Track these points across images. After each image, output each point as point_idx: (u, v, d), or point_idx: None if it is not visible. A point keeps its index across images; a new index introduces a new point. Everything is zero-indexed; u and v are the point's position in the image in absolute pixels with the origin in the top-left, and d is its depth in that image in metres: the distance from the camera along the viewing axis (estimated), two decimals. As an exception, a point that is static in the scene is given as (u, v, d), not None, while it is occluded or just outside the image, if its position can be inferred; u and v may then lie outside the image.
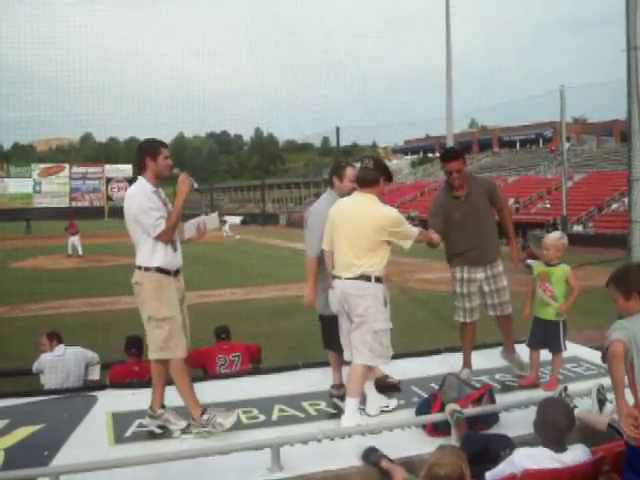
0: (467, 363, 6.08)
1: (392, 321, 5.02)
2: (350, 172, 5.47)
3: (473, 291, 5.96)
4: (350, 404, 4.88)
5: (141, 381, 6.35)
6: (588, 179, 45.43)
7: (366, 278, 4.85)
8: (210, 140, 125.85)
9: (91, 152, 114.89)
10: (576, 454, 3.42)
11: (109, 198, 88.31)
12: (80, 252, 29.63)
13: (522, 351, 6.06)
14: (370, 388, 5.22)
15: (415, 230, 5.06)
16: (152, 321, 4.64)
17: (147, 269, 4.63)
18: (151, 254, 4.64)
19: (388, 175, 5.13)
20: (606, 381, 5.17)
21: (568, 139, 46.14)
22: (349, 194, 5.28)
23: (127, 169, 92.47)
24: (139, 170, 4.84)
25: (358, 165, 5.26)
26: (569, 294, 5.60)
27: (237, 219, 59.94)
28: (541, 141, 65.62)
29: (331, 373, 5.69)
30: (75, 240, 29.87)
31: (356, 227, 4.87)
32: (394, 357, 5.29)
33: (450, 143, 26.68)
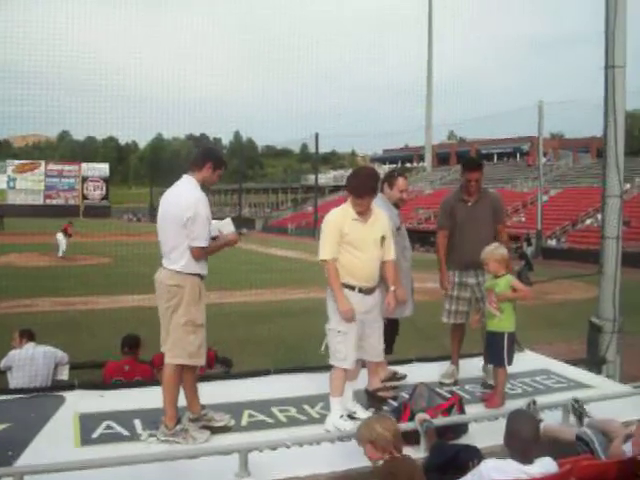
0: (453, 361, 6.38)
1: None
2: (402, 182, 6.04)
3: (463, 296, 6.17)
4: (331, 403, 5.03)
5: (128, 381, 6.40)
6: (563, 194, 45.93)
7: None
8: (189, 142, 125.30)
9: (68, 150, 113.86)
10: (543, 466, 3.44)
11: (85, 197, 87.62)
12: (60, 253, 29.21)
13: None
14: (349, 389, 5.22)
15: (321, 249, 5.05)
16: (189, 326, 4.59)
17: (191, 274, 4.60)
18: (196, 260, 4.61)
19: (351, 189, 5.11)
20: (578, 394, 5.26)
21: (545, 154, 46.63)
22: (398, 203, 6.00)
23: (104, 168, 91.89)
24: (191, 168, 4.76)
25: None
26: (514, 304, 5.56)
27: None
28: (518, 155, 66.21)
29: (303, 379, 5.69)
30: (64, 240, 29.44)
31: None
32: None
33: (428, 153, 26.82)
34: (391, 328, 5.79)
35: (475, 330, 6.15)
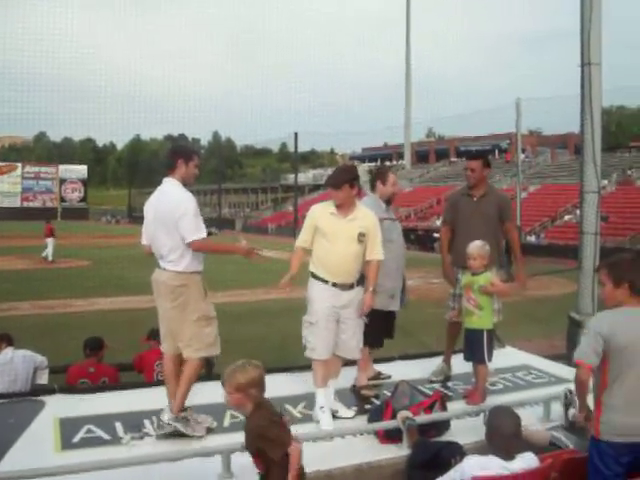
0: (445, 359, 6.37)
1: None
2: (392, 177, 6.11)
3: (462, 294, 6.07)
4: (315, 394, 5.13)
5: (93, 383, 6.37)
6: (542, 190, 46.33)
7: (311, 273, 5.24)
8: (167, 143, 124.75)
9: (45, 152, 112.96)
10: (524, 462, 3.46)
11: (62, 199, 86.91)
12: (50, 257, 28.85)
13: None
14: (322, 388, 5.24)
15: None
16: (203, 320, 4.74)
17: (193, 273, 4.71)
18: (195, 258, 4.71)
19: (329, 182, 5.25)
20: (559, 389, 5.28)
21: (523, 151, 46.95)
22: (391, 198, 6.06)
23: (82, 170, 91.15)
24: (167, 171, 4.85)
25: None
26: (493, 301, 5.59)
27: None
28: (497, 152, 66.62)
29: (285, 379, 5.78)
30: (51, 242, 29.10)
31: None
32: (348, 364, 5.30)
33: (407, 151, 26.93)
34: (380, 321, 5.74)
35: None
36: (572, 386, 5.43)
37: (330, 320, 5.10)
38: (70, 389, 5.97)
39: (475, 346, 5.52)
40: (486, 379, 5.68)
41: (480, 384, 5.57)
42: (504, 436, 3.52)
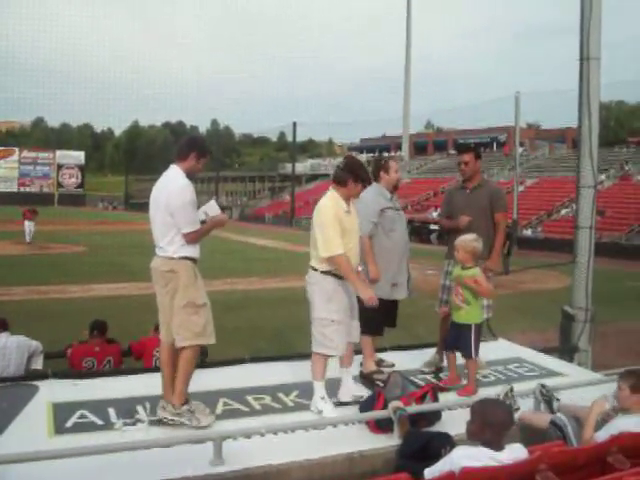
0: (438, 350, 6.38)
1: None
2: (394, 164, 6.17)
3: (452, 286, 6.10)
4: (314, 385, 5.12)
5: (98, 362, 6.53)
6: (539, 184, 46.33)
7: (313, 268, 5.13)
8: (165, 130, 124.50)
9: (42, 137, 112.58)
10: (513, 453, 3.48)
11: (59, 185, 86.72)
12: (28, 239, 28.93)
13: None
14: (347, 375, 5.37)
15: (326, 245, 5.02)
16: (190, 307, 4.67)
17: (183, 258, 4.69)
18: (186, 245, 4.70)
19: (357, 177, 5.17)
20: (550, 382, 5.33)
21: (521, 144, 46.92)
22: (396, 185, 6.14)
23: (79, 155, 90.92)
24: (176, 158, 4.83)
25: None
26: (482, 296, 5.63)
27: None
28: (495, 145, 66.57)
29: (278, 367, 5.77)
30: (30, 225, 29.15)
31: (313, 222, 5.19)
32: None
33: (406, 143, 26.98)
34: (382, 309, 5.76)
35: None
36: (552, 380, 5.54)
37: (348, 314, 5.16)
38: (64, 373, 5.98)
39: (462, 341, 5.56)
40: (477, 371, 5.72)
41: (471, 377, 5.61)
42: (497, 427, 3.54)
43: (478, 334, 5.57)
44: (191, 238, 4.68)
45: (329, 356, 5.12)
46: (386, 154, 73.78)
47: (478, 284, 5.49)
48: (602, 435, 4.04)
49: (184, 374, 4.73)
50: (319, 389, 5.07)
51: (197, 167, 4.89)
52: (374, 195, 5.97)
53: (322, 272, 5.07)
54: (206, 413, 4.75)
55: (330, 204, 5.11)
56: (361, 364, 6.02)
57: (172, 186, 4.69)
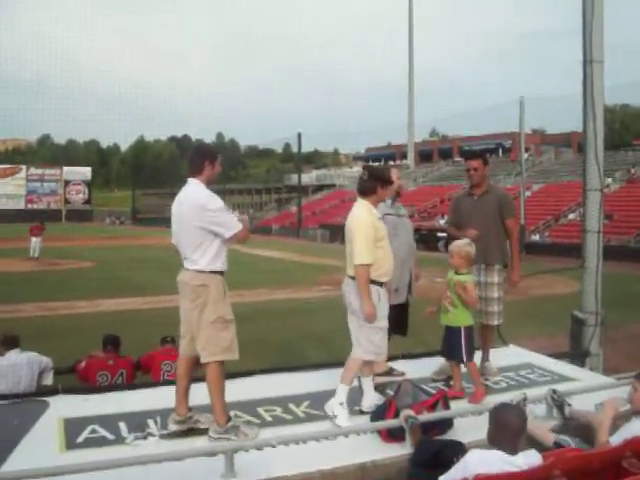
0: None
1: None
2: (394, 172, 6.05)
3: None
4: (338, 388, 5.09)
5: (112, 375, 6.58)
6: (546, 189, 46.24)
7: (353, 278, 5.12)
8: (171, 144, 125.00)
9: (49, 154, 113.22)
10: (528, 458, 3.46)
11: (67, 201, 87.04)
12: (36, 254, 29.05)
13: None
14: (368, 384, 5.38)
15: (361, 253, 5.05)
16: (220, 323, 4.68)
17: (213, 272, 4.68)
18: (217, 258, 4.70)
19: (383, 181, 5.32)
20: (562, 387, 5.30)
21: (527, 150, 46.88)
22: (398, 193, 6.19)
23: (86, 171, 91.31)
24: (192, 173, 4.83)
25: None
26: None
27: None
28: (501, 151, 66.52)
29: (288, 378, 5.80)
30: (36, 241, 29.31)
31: (347, 231, 5.25)
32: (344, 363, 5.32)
33: (411, 151, 26.99)
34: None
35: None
36: (564, 385, 5.51)
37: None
38: (74, 389, 5.98)
39: (452, 344, 5.54)
40: (479, 375, 5.69)
41: (477, 381, 5.58)
42: (511, 432, 3.53)
43: (468, 337, 5.53)
44: (242, 237, 4.74)
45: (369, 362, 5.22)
46: (392, 163, 73.97)
47: (466, 292, 5.48)
48: (616, 440, 4.01)
49: (218, 392, 4.70)
50: (342, 394, 5.04)
51: (215, 172, 4.88)
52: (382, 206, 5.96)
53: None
54: (250, 425, 4.79)
55: (364, 214, 5.18)
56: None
57: (199, 200, 4.66)
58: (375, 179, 5.29)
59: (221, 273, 4.75)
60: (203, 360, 4.68)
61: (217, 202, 4.67)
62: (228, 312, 4.74)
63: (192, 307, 4.69)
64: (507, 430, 3.53)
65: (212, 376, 4.68)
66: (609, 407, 4.40)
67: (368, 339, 5.10)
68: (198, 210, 4.62)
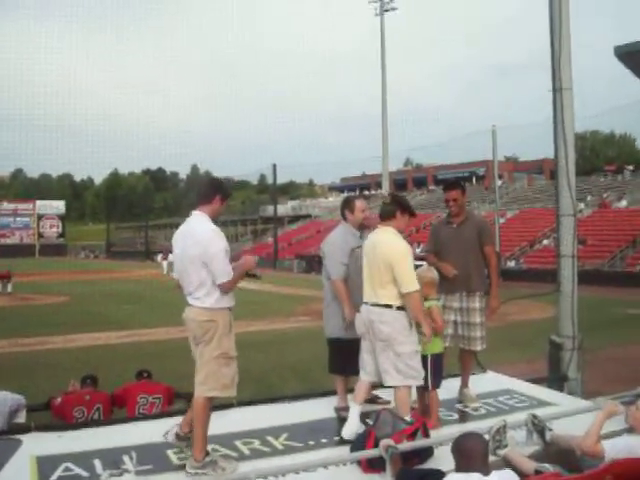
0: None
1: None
2: (360, 204, 6.08)
3: (447, 319, 6.15)
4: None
5: (88, 410, 6.43)
6: (520, 216, 46.70)
7: (386, 306, 5.14)
8: (146, 177, 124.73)
9: (22, 188, 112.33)
10: (502, 476, 3.50)
11: (40, 235, 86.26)
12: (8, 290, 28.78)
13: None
14: (355, 412, 5.34)
15: (412, 280, 5.10)
16: (223, 358, 4.60)
17: (221, 309, 4.63)
18: (225, 295, 4.64)
19: (403, 208, 5.40)
20: (541, 412, 5.28)
21: (500, 177, 47.37)
22: (365, 221, 6.04)
23: (59, 205, 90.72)
24: (200, 203, 4.78)
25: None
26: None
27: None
28: (474, 179, 67.20)
29: (266, 410, 5.73)
30: (6, 282, 29.21)
31: (375, 259, 5.21)
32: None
33: (386, 180, 27.15)
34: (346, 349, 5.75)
35: (454, 352, 6.28)
36: (543, 410, 5.51)
37: None
38: (47, 426, 5.84)
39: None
40: (438, 403, 5.68)
41: (434, 409, 5.60)
42: (478, 455, 3.63)
43: (435, 364, 5.56)
44: (226, 288, 4.60)
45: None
46: (367, 192, 74.34)
47: (434, 318, 5.52)
48: (609, 447, 4.07)
49: (202, 426, 4.60)
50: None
51: (220, 210, 4.84)
52: (343, 235, 6.01)
53: (398, 308, 5.15)
54: (228, 459, 4.69)
55: (398, 239, 5.25)
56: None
57: (201, 236, 4.60)
58: (396, 204, 5.40)
59: (229, 309, 4.70)
60: (202, 394, 4.60)
61: (219, 243, 4.59)
62: (232, 348, 4.68)
63: (198, 343, 4.65)
64: (474, 456, 3.62)
65: (199, 409, 4.61)
66: (605, 411, 4.42)
67: (406, 365, 5.13)
68: (203, 245, 4.55)
